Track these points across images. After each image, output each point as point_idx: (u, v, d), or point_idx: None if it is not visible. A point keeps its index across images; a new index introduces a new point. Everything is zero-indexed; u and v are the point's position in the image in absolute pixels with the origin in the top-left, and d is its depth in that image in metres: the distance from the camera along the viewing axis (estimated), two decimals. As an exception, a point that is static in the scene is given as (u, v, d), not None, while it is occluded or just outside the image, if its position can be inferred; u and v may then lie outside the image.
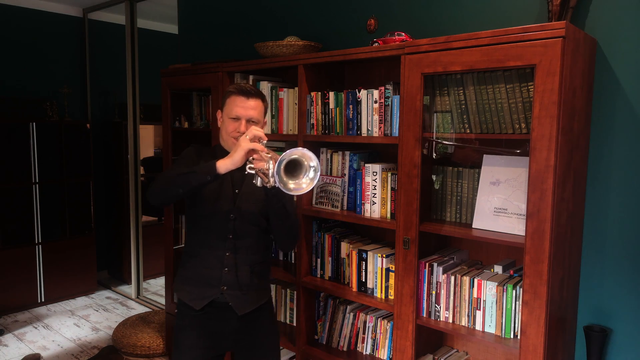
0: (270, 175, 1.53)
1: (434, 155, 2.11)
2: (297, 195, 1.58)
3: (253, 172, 1.61)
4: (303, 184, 1.53)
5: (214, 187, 1.77)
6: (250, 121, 1.79)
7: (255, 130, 1.64)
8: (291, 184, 1.52)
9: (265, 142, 1.65)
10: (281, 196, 1.69)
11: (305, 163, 1.53)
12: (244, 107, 1.78)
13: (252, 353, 1.88)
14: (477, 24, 2.17)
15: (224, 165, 1.59)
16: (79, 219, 4.56)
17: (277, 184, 1.48)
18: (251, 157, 1.60)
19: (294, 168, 1.52)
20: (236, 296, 1.80)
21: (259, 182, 1.64)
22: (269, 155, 1.58)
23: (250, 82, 2.68)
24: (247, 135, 1.62)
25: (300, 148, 1.52)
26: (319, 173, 1.54)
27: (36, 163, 4.25)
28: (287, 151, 1.48)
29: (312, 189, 2.44)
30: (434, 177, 2.12)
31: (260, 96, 1.83)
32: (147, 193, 1.71)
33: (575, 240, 1.90)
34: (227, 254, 1.79)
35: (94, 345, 3.59)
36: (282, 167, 1.48)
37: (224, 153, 1.83)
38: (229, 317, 1.81)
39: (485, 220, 1.94)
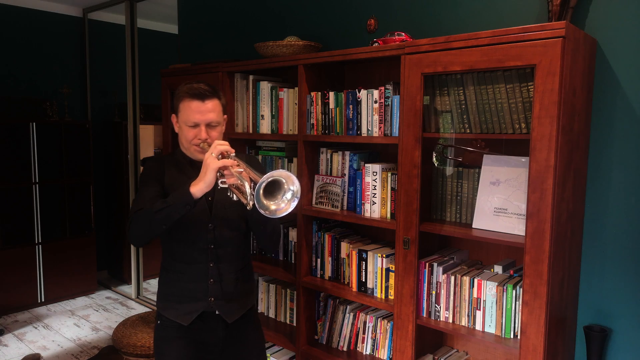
0: (248, 195, 1.44)
1: (435, 160, 2.11)
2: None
3: (226, 186, 1.55)
4: (282, 204, 1.44)
5: None
6: (209, 125, 1.68)
7: (220, 145, 1.55)
8: (272, 206, 1.43)
9: (233, 154, 1.57)
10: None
11: (285, 186, 1.44)
12: (201, 111, 1.65)
13: (238, 358, 1.82)
14: (477, 24, 2.17)
15: (199, 190, 1.52)
16: (79, 219, 4.56)
17: (259, 210, 1.40)
18: (222, 172, 1.53)
19: (272, 187, 1.43)
20: (224, 305, 1.74)
21: (234, 197, 1.58)
22: (241, 170, 1.50)
23: (250, 82, 2.68)
24: (212, 152, 1.53)
25: (282, 170, 1.43)
26: (298, 196, 1.44)
27: (36, 163, 4.25)
28: (270, 172, 1.39)
29: (313, 187, 2.45)
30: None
31: (216, 95, 1.70)
32: (129, 236, 1.62)
33: (575, 240, 1.90)
34: (211, 264, 1.72)
35: (94, 345, 3.59)
36: (260, 192, 1.38)
37: (188, 161, 1.77)
38: (216, 326, 1.75)
39: (485, 220, 1.94)
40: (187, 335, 1.73)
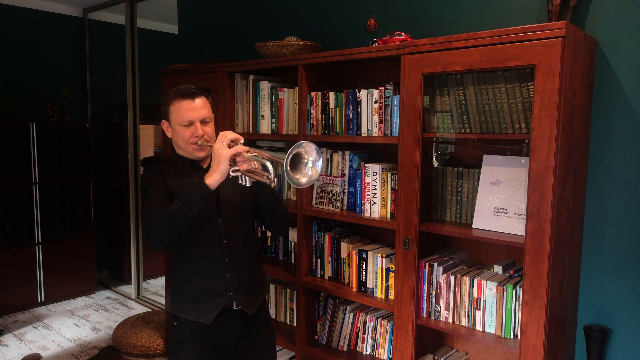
0: (270, 173, 1.50)
1: (434, 159, 2.12)
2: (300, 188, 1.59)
3: (238, 174, 1.58)
4: (310, 172, 1.50)
5: None
6: (203, 121, 1.71)
7: (230, 134, 1.58)
8: (302, 179, 1.49)
9: (242, 141, 1.59)
10: (269, 187, 1.68)
11: (305, 156, 1.50)
12: (194, 109, 1.69)
13: (252, 354, 1.86)
14: (477, 24, 2.17)
15: (214, 181, 1.55)
16: (79, 219, 4.56)
17: (294, 185, 1.48)
18: (234, 159, 1.56)
19: (293, 161, 1.49)
20: (242, 298, 1.77)
21: (247, 181, 1.60)
22: (254, 154, 1.53)
23: (250, 82, 2.68)
24: (222, 142, 1.56)
25: (301, 142, 1.47)
26: (320, 158, 1.50)
27: (36, 163, 4.25)
28: (290, 149, 1.44)
29: (313, 187, 2.45)
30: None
31: (203, 93, 1.75)
32: (150, 242, 1.61)
33: (575, 240, 1.90)
34: (226, 259, 1.75)
35: (94, 345, 3.59)
36: (288, 168, 1.44)
37: (188, 162, 1.78)
38: (235, 322, 1.78)
39: (485, 220, 1.94)
40: (203, 336, 1.74)
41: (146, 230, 1.61)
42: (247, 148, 1.55)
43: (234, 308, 1.76)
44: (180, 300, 1.77)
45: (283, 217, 1.82)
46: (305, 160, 1.50)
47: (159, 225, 1.57)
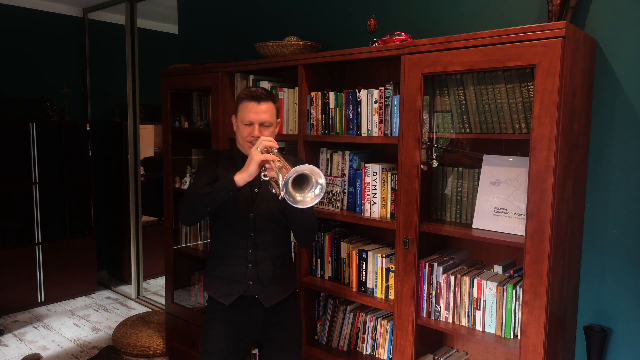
0: (281, 187, 1.60)
1: (434, 159, 2.12)
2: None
3: (267, 179, 1.70)
4: (307, 198, 1.59)
5: None
6: (263, 124, 1.85)
7: (266, 141, 1.72)
8: (298, 197, 1.58)
9: (276, 150, 1.72)
10: None
11: (314, 179, 1.59)
12: (256, 112, 1.84)
13: (276, 343, 1.94)
14: (477, 24, 2.17)
15: (241, 179, 1.70)
16: (79, 219, 4.56)
17: (284, 196, 1.55)
18: (265, 166, 1.69)
19: (302, 181, 1.59)
20: (262, 289, 1.88)
21: (273, 189, 1.72)
22: (280, 165, 1.65)
23: (250, 82, 2.68)
24: (257, 147, 1.70)
25: (310, 165, 1.58)
26: (324, 191, 1.60)
27: (36, 163, 4.25)
28: (298, 166, 1.54)
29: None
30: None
31: (271, 98, 1.88)
32: (179, 216, 1.83)
33: (575, 240, 1.90)
34: (250, 250, 1.87)
35: (94, 345, 3.59)
36: (289, 181, 1.54)
37: (241, 156, 1.93)
38: (256, 310, 1.89)
39: (485, 220, 1.94)
40: (228, 318, 1.90)
41: (180, 205, 1.81)
42: (277, 158, 1.67)
43: (255, 297, 1.88)
44: (210, 279, 1.96)
45: (306, 230, 1.89)
46: (312, 184, 1.59)
47: (188, 203, 1.78)
